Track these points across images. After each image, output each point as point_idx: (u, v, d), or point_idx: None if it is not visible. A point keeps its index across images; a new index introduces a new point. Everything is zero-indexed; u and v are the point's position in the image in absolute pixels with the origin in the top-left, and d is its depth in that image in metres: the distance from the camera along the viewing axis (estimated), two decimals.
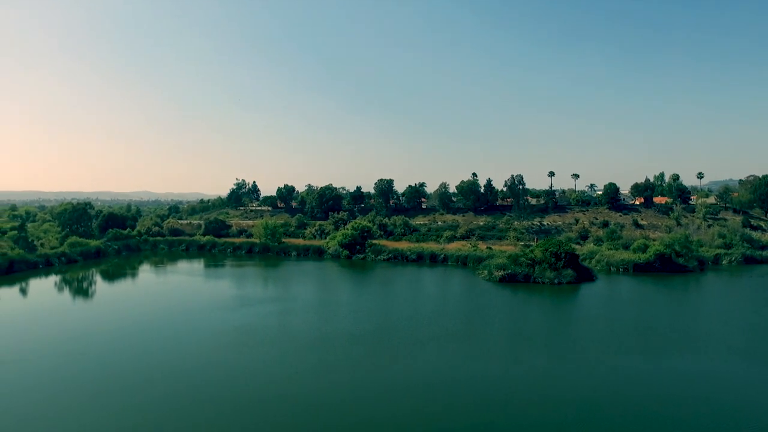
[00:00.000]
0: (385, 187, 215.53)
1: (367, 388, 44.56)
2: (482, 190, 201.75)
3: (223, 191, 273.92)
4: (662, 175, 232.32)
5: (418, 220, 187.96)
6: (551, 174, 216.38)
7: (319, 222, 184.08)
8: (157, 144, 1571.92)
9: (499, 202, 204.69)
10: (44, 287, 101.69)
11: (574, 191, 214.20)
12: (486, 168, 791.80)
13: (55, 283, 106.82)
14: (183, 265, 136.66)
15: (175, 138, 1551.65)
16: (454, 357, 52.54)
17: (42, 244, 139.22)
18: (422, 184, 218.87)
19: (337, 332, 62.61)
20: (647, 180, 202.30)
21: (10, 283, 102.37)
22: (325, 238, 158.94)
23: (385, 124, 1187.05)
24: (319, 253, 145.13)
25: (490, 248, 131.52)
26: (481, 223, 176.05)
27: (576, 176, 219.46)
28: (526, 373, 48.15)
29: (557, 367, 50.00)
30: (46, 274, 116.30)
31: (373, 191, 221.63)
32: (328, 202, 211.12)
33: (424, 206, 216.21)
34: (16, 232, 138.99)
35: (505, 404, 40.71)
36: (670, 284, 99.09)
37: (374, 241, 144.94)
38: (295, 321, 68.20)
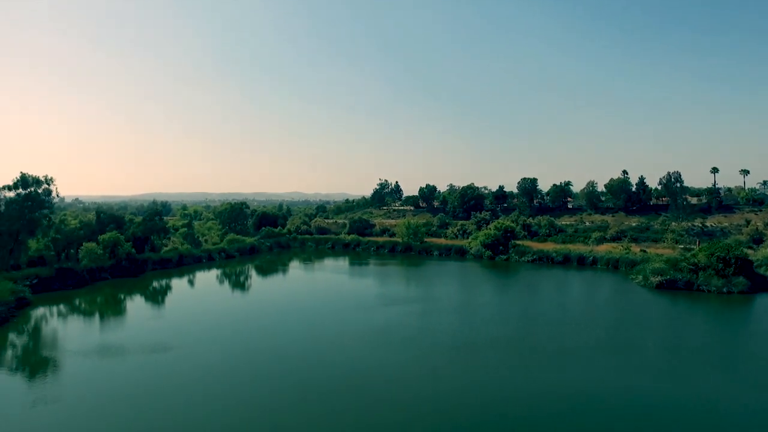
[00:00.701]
0: (528, 186, 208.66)
1: (509, 395, 42.12)
2: (634, 189, 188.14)
3: (368, 191, 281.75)
4: None
5: (564, 220, 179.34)
6: (714, 170, 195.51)
7: (461, 222, 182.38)
8: (308, 148, 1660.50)
9: (653, 202, 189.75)
10: (207, 279, 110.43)
11: (743, 189, 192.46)
12: (636, 165, 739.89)
13: (216, 276, 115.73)
14: (329, 262, 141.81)
15: (323, 142, 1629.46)
16: (608, 370, 48.20)
17: (206, 240, 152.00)
18: (568, 183, 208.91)
19: (479, 335, 60.63)
20: None
21: (179, 275, 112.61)
22: (467, 237, 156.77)
23: (525, 122, 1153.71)
24: (461, 253, 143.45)
25: (645, 251, 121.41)
26: (634, 224, 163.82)
27: (745, 172, 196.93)
28: (695, 393, 42.87)
29: (735, 388, 44.02)
30: (209, 267, 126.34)
31: (516, 190, 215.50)
32: (469, 202, 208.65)
33: (570, 206, 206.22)
34: (185, 229, 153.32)
35: (674, 427, 36.32)
36: None
37: (518, 242, 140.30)
38: (436, 322, 67.12)
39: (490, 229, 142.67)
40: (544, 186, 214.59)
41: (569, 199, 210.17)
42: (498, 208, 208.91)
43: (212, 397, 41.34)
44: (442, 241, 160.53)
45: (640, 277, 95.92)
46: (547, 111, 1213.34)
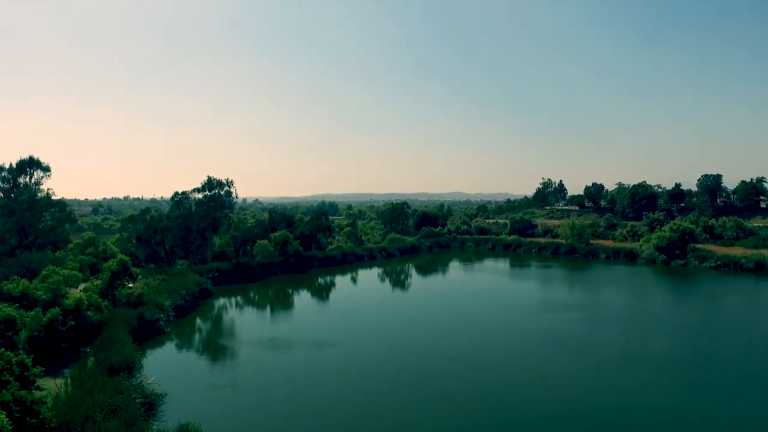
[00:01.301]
0: (711, 183, 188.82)
1: (705, 423, 37.47)
2: None
3: (529, 191, 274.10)
4: None
5: (756, 222, 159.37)
6: None
7: (630, 222, 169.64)
8: (468, 146, 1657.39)
9: None
10: (368, 277, 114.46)
11: None
12: None
13: (377, 274, 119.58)
14: (488, 263, 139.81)
15: (483, 140, 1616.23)
16: None
17: (368, 239, 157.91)
18: (761, 179, 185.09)
19: (649, 350, 55.14)
20: None
21: (342, 272, 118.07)
22: (638, 240, 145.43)
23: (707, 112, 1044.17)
24: (630, 257, 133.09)
25: None
26: None
27: None
28: None
29: None
30: (370, 266, 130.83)
31: (695, 188, 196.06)
32: (641, 201, 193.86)
33: (763, 205, 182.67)
34: (350, 228, 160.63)
35: None
36: None
37: (698, 245, 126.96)
38: (601, 332, 62.46)
39: (664, 230, 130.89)
40: (729, 183, 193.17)
41: (761, 197, 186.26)
42: (674, 208, 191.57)
43: (369, 394, 42.37)
44: (609, 243, 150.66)
45: None
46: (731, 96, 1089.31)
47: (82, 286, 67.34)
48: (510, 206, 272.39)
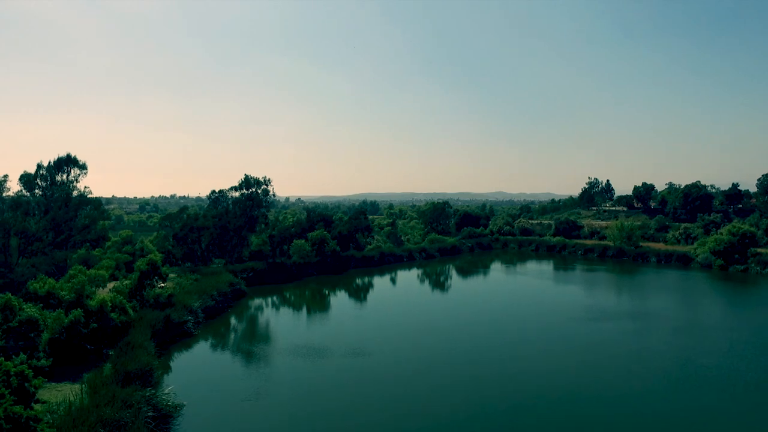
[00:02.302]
0: None
1: None
2: None
3: (574, 191, 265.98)
4: None
5: None
6: None
7: (684, 224, 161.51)
8: (511, 147, 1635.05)
9: None
10: (407, 279, 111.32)
11: None
12: None
13: (417, 276, 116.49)
14: (531, 265, 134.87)
15: (526, 140, 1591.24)
16: None
17: (408, 240, 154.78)
18: None
19: (710, 366, 50.19)
20: None
21: (380, 273, 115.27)
22: (692, 243, 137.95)
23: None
24: (684, 261, 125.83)
25: None
26: None
27: None
28: None
29: None
30: (409, 267, 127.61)
31: (755, 189, 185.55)
32: (694, 202, 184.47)
33: None
34: (389, 227, 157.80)
35: None
36: None
37: (759, 250, 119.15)
38: (654, 347, 57.32)
39: (721, 233, 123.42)
40: None
41: None
42: (730, 210, 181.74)
43: (407, 409, 39.31)
44: (660, 246, 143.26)
45: None
46: None
47: (112, 284, 66.39)
48: (554, 206, 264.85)
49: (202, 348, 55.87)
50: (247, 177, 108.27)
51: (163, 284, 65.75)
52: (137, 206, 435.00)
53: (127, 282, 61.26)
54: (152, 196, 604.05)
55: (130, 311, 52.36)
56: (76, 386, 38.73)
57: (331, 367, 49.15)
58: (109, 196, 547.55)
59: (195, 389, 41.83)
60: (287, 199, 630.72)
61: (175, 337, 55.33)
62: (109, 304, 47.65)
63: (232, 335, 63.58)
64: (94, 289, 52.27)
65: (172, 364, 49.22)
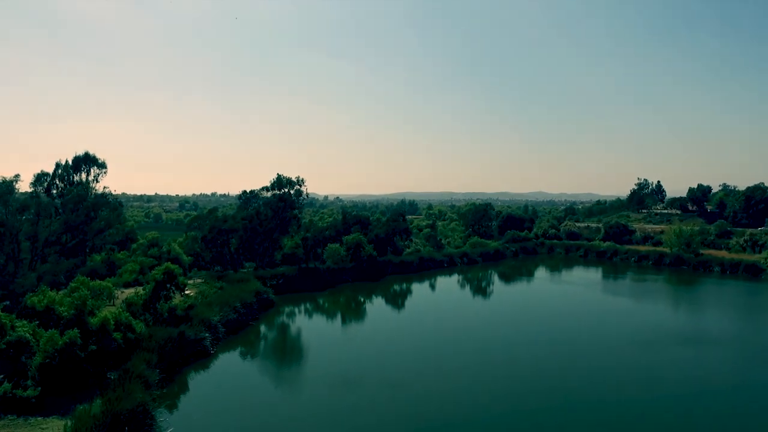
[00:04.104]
0: None
1: None
2: None
3: (618, 191, 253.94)
4: None
5: None
6: None
7: (749, 230, 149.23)
8: (555, 145, 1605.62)
9: None
10: (448, 287, 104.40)
11: None
12: None
13: (458, 282, 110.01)
14: (578, 272, 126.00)
15: (569, 139, 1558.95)
16: None
17: (448, 243, 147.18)
18: None
19: None
20: None
21: (419, 279, 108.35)
22: (760, 251, 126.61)
23: None
24: (752, 272, 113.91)
25: None
26: None
27: None
28: None
29: None
30: (450, 273, 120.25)
31: None
32: (757, 206, 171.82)
33: None
34: (429, 230, 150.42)
35: None
36: None
37: None
38: (722, 376, 48.93)
39: None
40: None
41: None
42: None
43: None
44: (722, 254, 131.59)
45: None
46: None
47: (130, 291, 61.21)
48: (601, 208, 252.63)
49: (217, 371, 49.59)
50: (279, 176, 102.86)
51: (183, 293, 60.08)
52: (177, 204, 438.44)
53: (142, 292, 55.91)
54: (193, 194, 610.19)
55: (140, 327, 46.85)
56: (63, 423, 33.10)
57: (362, 400, 42.35)
58: (152, 193, 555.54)
59: (200, 430, 35.83)
60: (326, 197, 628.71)
61: (188, 357, 49.54)
62: (112, 323, 42.12)
63: (253, 356, 57.13)
64: (100, 302, 46.79)
65: (180, 392, 43.32)
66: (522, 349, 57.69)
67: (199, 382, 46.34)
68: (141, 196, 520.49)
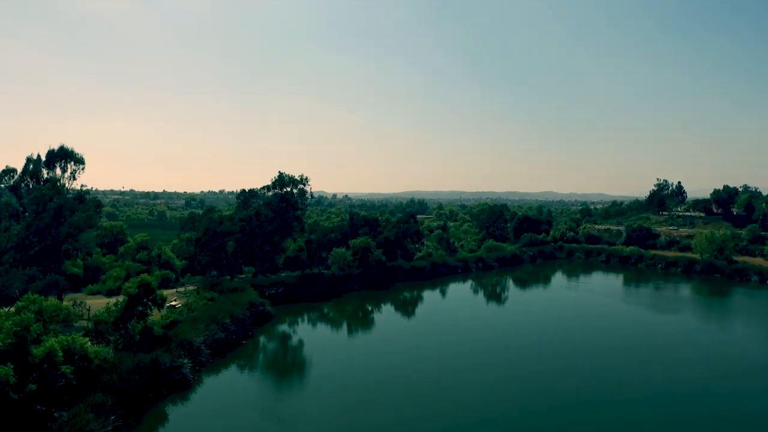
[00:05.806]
0: None
1: None
2: None
3: (630, 191, 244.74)
4: None
5: None
6: None
7: None
8: (565, 145, 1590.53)
9: None
10: (463, 297, 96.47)
11: None
12: None
13: (472, 289, 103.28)
14: (598, 279, 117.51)
15: (579, 138, 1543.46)
16: None
17: (461, 246, 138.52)
18: None
19: None
20: None
21: (432, 287, 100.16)
22: None
23: None
24: None
25: None
26: None
27: None
28: None
29: None
30: (464, 279, 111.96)
31: None
32: None
33: None
34: (440, 231, 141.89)
35: None
36: None
37: None
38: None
39: None
40: None
41: None
42: None
43: None
44: (758, 261, 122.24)
45: None
46: None
47: (110, 301, 53.22)
48: (618, 210, 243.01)
49: (198, 406, 41.15)
50: (281, 174, 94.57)
51: (163, 308, 51.99)
52: (183, 202, 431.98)
53: (113, 308, 47.87)
54: (201, 191, 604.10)
55: (103, 354, 38.80)
56: None
57: None
58: (160, 191, 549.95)
59: None
60: (334, 195, 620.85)
61: (164, 389, 41.43)
62: (60, 353, 34.03)
63: (240, 386, 47.74)
64: (54, 326, 38.49)
65: None
66: (558, 384, 49.19)
67: (174, 422, 38.21)
68: (148, 193, 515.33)
